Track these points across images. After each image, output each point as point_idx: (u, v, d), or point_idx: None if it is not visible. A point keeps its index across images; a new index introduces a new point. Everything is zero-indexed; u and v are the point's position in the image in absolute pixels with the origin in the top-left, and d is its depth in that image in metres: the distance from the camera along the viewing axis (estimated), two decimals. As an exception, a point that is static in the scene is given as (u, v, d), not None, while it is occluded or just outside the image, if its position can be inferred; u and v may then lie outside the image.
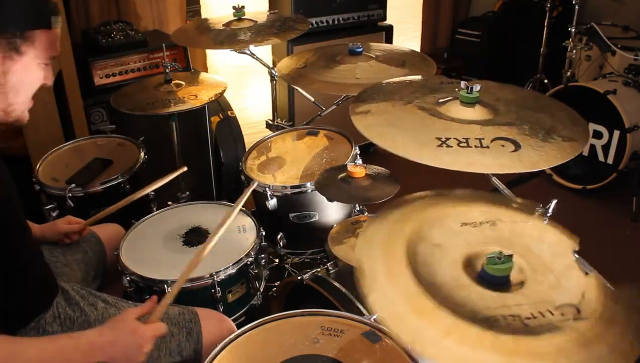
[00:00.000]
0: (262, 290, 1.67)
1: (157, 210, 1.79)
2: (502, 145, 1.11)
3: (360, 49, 1.97)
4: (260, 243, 1.62)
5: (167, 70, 2.03)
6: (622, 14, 3.49)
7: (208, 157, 2.53)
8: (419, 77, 1.57)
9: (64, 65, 2.20)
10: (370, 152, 3.38)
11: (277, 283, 1.74)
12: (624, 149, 2.81)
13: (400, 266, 0.93)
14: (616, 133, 2.85)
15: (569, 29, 3.10)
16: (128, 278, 1.48)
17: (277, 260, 2.03)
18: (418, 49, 4.21)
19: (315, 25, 2.98)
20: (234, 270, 1.51)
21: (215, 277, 1.46)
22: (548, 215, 1.08)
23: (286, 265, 1.97)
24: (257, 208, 1.93)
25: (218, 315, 1.38)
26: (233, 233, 1.64)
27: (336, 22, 3.07)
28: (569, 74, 3.15)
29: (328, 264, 1.61)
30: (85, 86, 2.35)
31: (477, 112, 1.23)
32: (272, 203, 1.75)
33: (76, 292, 1.28)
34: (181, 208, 1.79)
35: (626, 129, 2.76)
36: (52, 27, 1.08)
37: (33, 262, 1.20)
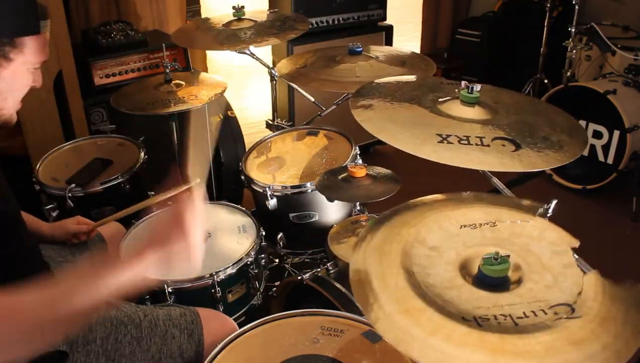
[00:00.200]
0: (262, 290, 1.67)
1: (157, 210, 1.79)
2: (503, 145, 1.11)
3: (360, 49, 1.97)
4: (260, 243, 1.62)
5: (167, 70, 2.03)
6: (622, 14, 3.49)
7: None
8: (413, 77, 1.57)
9: (64, 65, 2.20)
10: (370, 152, 3.38)
11: (277, 283, 1.74)
12: (624, 149, 2.81)
13: (393, 268, 0.94)
14: (616, 133, 2.85)
15: (569, 29, 3.10)
16: (128, 278, 1.48)
17: (277, 260, 2.03)
18: (418, 49, 4.22)
19: (315, 25, 2.98)
20: (234, 270, 1.51)
21: (215, 277, 1.46)
22: (548, 215, 1.08)
23: (286, 265, 1.97)
24: (257, 208, 1.93)
25: (220, 315, 1.37)
26: (233, 233, 1.64)
27: (336, 22, 3.07)
28: (569, 74, 3.15)
29: (328, 264, 1.61)
30: (85, 86, 2.35)
31: (477, 112, 1.23)
32: (272, 203, 1.75)
33: (76, 292, 1.28)
34: (181, 208, 1.79)
35: (626, 129, 2.76)
36: (41, 32, 1.07)
37: (31, 261, 1.19)
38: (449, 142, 1.10)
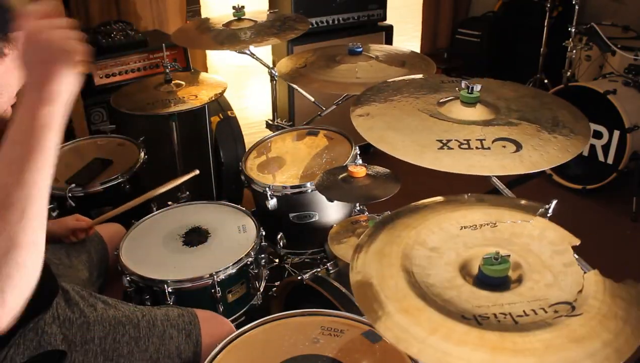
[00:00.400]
0: (262, 290, 1.67)
1: (157, 210, 1.79)
2: (504, 146, 1.10)
3: (360, 49, 1.97)
4: (260, 243, 1.62)
5: (167, 70, 2.03)
6: (622, 14, 3.49)
7: (208, 157, 2.53)
8: (419, 76, 1.57)
9: (64, 65, 2.19)
10: (370, 152, 3.38)
11: (277, 283, 1.74)
12: (624, 149, 2.80)
13: (393, 270, 0.95)
14: (616, 133, 2.85)
15: (569, 29, 3.10)
16: (128, 278, 1.48)
17: (277, 260, 2.03)
18: (418, 49, 4.22)
19: (315, 25, 2.98)
20: (234, 270, 1.51)
21: (215, 277, 1.46)
22: (548, 215, 1.08)
23: (286, 265, 1.97)
24: (257, 208, 1.93)
25: (218, 317, 1.37)
26: (233, 233, 1.64)
27: (336, 22, 3.07)
28: (569, 74, 3.15)
29: (328, 264, 1.61)
30: (85, 86, 2.35)
31: (477, 112, 1.23)
32: (272, 203, 1.75)
33: (76, 293, 1.28)
34: (181, 208, 1.79)
35: (626, 129, 2.76)
36: None
37: None
38: (449, 148, 1.10)
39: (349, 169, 1.62)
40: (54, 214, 1.79)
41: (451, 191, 1.19)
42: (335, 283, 1.52)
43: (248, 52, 2.07)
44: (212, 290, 1.47)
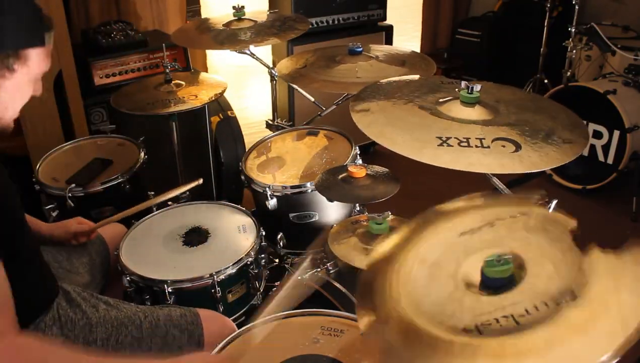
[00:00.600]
0: (262, 290, 1.67)
1: (157, 210, 1.79)
2: (503, 146, 1.11)
3: (360, 49, 1.97)
4: (260, 243, 1.62)
5: (167, 70, 2.03)
6: (622, 14, 3.49)
7: (208, 157, 2.53)
8: (416, 76, 1.57)
9: (64, 65, 2.20)
10: (370, 152, 3.38)
11: (277, 283, 1.74)
12: (624, 149, 2.81)
13: (392, 291, 0.93)
14: (616, 133, 2.85)
15: (569, 29, 3.10)
16: (128, 278, 1.48)
17: (277, 260, 2.03)
18: (418, 49, 4.21)
19: (315, 25, 2.98)
20: (234, 270, 1.51)
21: (215, 277, 1.46)
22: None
23: (286, 265, 1.97)
24: (257, 208, 1.93)
25: (220, 316, 1.37)
26: (233, 233, 1.64)
27: (336, 22, 3.07)
28: (569, 74, 3.15)
29: (328, 264, 1.61)
30: (85, 86, 2.35)
31: (477, 112, 1.23)
32: (272, 203, 1.75)
33: (77, 294, 1.28)
34: (181, 208, 1.79)
35: (626, 129, 2.76)
36: (45, 44, 1.07)
37: (32, 262, 1.19)
38: (448, 145, 1.10)
39: (349, 169, 1.62)
40: (54, 214, 1.79)
41: (450, 191, 1.19)
42: (335, 283, 1.52)
43: (248, 52, 2.07)
44: (212, 290, 1.47)
